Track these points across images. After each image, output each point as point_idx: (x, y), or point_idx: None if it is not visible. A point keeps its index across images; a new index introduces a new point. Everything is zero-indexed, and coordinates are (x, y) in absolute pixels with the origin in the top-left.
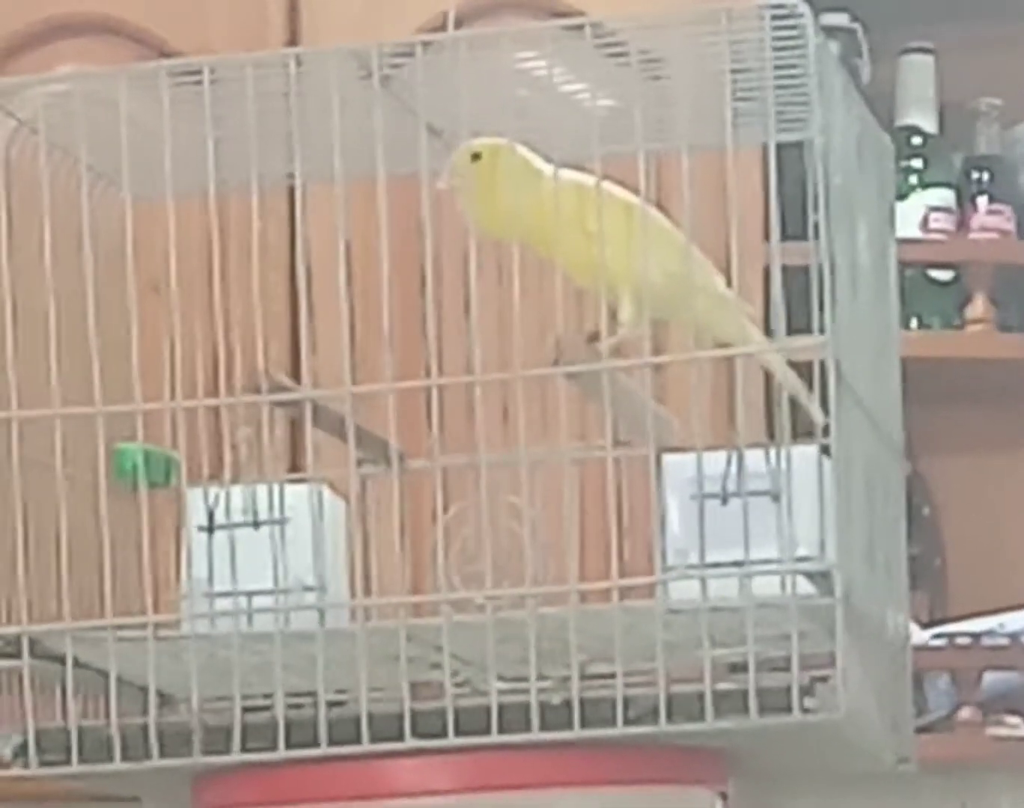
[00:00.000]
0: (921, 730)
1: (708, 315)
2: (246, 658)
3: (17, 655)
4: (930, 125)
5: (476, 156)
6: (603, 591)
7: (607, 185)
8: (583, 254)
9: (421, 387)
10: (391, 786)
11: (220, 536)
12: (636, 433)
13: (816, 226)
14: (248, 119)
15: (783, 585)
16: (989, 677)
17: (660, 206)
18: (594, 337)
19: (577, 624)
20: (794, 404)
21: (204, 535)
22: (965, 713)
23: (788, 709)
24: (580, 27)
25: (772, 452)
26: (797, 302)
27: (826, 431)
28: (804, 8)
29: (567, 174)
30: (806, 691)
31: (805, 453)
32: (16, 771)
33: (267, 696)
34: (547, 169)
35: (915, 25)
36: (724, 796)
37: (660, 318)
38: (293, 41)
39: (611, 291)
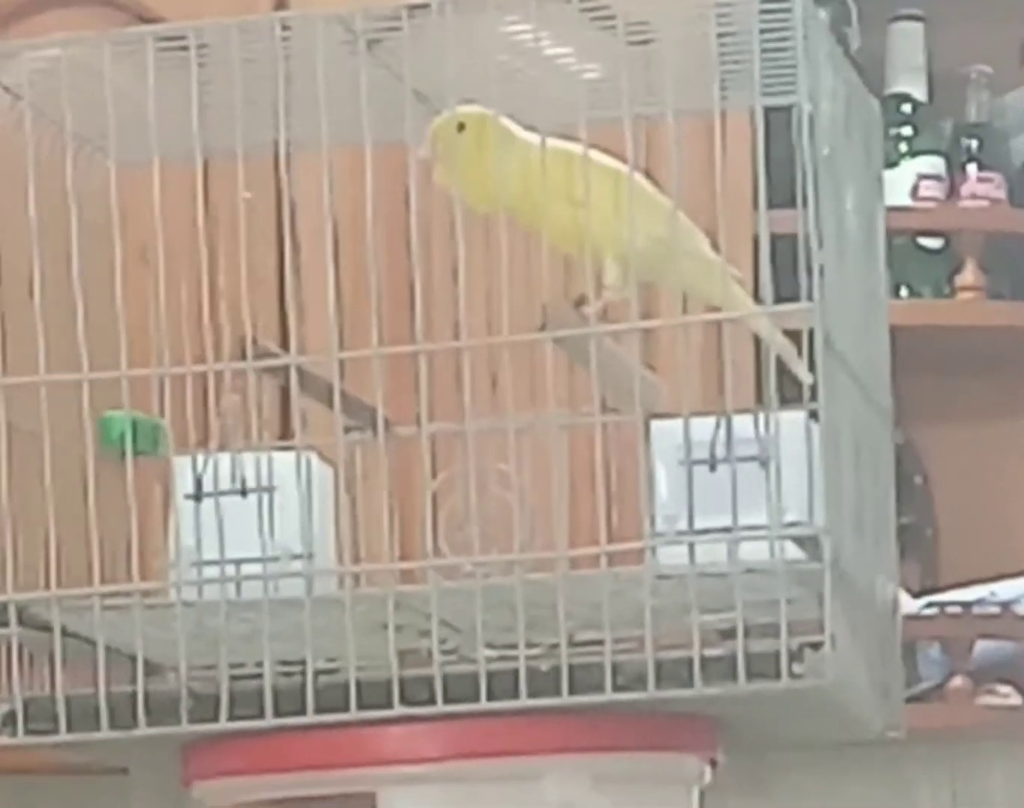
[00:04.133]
0: (912, 699)
1: (695, 279)
2: (234, 626)
3: (4, 623)
4: (920, 93)
5: (461, 127)
6: (591, 557)
7: (591, 152)
8: (567, 222)
9: (408, 353)
10: (379, 753)
11: (207, 504)
12: (624, 399)
13: (804, 194)
14: (234, 85)
15: (771, 550)
16: (980, 646)
17: (649, 173)
18: (581, 302)
19: (565, 590)
20: (782, 370)
21: (191, 503)
22: (956, 682)
23: (776, 675)
24: None
25: (760, 418)
26: (785, 270)
27: (814, 396)
28: None
29: (550, 142)
30: (794, 657)
31: (793, 419)
32: (3, 740)
33: (255, 664)
34: (528, 137)
35: None
36: (714, 763)
37: (647, 281)
38: (282, 8)
39: (596, 256)
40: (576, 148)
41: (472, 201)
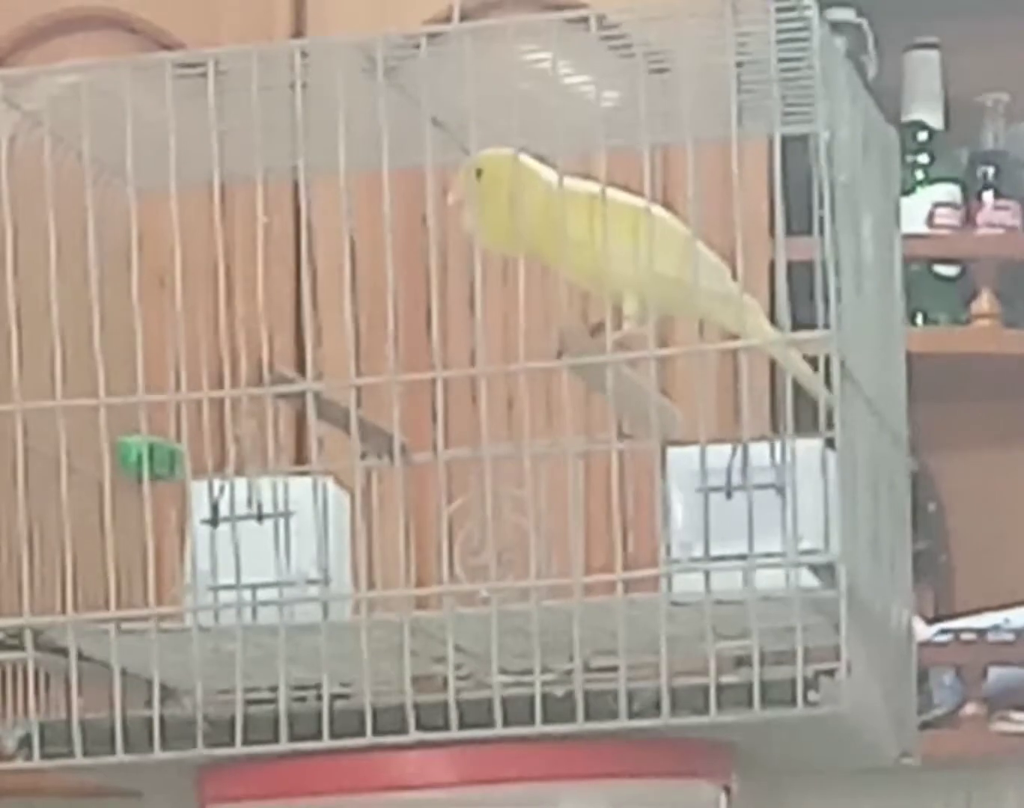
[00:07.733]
0: (926, 725)
1: (714, 314)
2: (249, 651)
3: (20, 647)
4: (936, 121)
5: (479, 173)
6: (607, 584)
7: (611, 192)
8: (586, 265)
9: (425, 379)
10: (394, 779)
11: (224, 529)
12: (640, 426)
13: (821, 221)
14: (253, 111)
15: (787, 578)
16: (994, 673)
17: (666, 201)
18: (598, 329)
19: (581, 617)
20: (798, 397)
21: (208, 528)
22: (970, 708)
23: (792, 702)
24: (585, 19)
25: (776, 445)
26: (802, 297)
27: (830, 424)
28: (810, 1)
29: (569, 184)
30: (810, 684)
31: (809, 446)
32: (19, 763)
33: (271, 689)
34: (548, 177)
35: (921, 20)
36: (728, 790)
37: (665, 314)
38: (299, 35)
39: (615, 294)
40: (595, 189)
41: (492, 244)
